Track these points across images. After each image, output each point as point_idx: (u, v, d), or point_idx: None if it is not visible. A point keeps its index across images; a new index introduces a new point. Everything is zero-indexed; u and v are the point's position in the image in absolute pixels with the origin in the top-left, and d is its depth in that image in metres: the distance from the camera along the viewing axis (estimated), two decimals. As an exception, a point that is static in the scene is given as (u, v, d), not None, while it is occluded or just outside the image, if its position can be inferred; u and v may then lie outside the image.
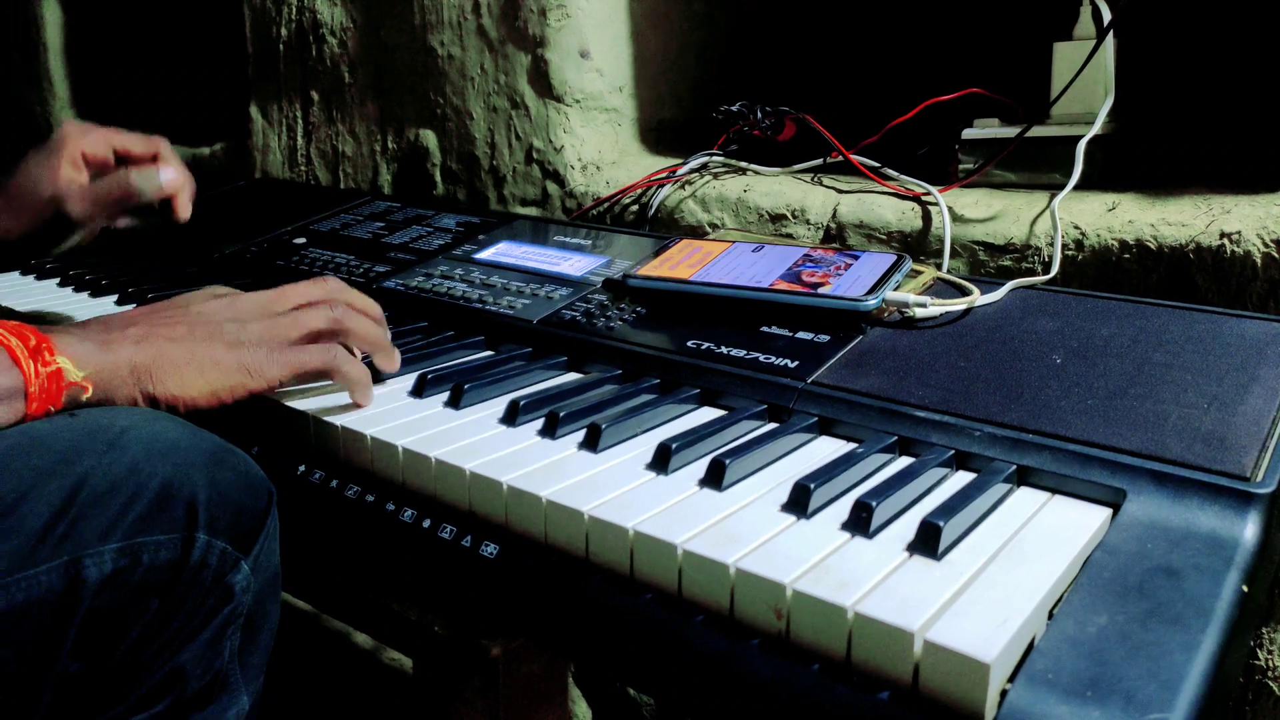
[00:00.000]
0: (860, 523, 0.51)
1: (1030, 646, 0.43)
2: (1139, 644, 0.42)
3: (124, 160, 0.91)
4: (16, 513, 0.53)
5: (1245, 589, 0.46)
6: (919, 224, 0.95)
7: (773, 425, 0.66)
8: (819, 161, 1.07)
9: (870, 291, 0.75)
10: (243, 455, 0.63)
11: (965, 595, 0.45)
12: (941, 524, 0.49)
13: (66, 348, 0.61)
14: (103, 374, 0.62)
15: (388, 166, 1.44)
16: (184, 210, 0.90)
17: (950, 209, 0.93)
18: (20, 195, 0.88)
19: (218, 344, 0.66)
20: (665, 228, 1.11)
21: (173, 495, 0.57)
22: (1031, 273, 0.88)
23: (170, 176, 0.89)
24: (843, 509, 0.53)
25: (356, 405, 0.70)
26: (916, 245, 0.95)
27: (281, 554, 0.65)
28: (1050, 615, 0.46)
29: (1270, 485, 0.51)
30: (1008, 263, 0.90)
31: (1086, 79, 0.93)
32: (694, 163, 1.13)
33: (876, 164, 1.02)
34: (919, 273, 0.83)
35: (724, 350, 0.73)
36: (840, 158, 1.04)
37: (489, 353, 0.83)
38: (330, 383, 0.71)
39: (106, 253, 1.12)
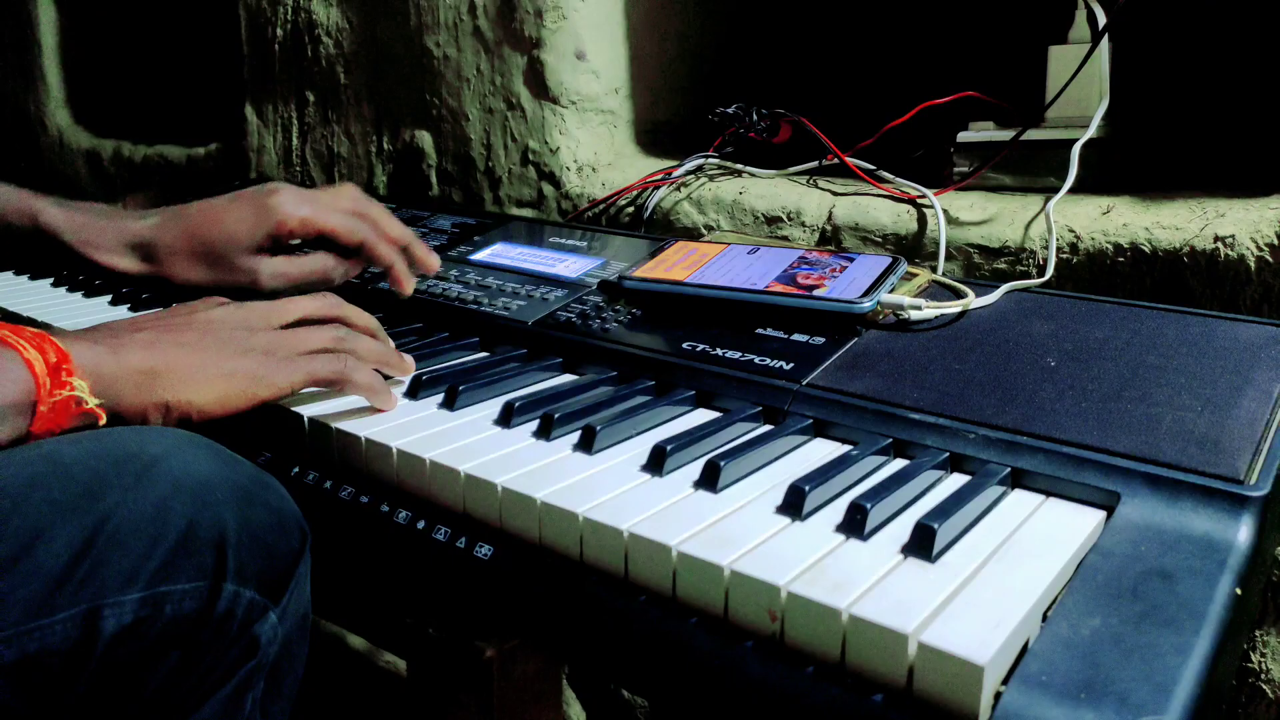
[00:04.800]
0: (855, 525, 0.51)
1: (1024, 649, 0.43)
2: (1133, 646, 0.42)
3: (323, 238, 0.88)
4: (33, 554, 0.49)
5: (1239, 592, 0.46)
6: (914, 226, 0.95)
7: (768, 427, 0.66)
8: (814, 164, 1.07)
9: (865, 294, 0.75)
10: (276, 488, 0.60)
11: (959, 597, 0.45)
12: (936, 526, 0.49)
13: (79, 355, 0.58)
14: (112, 379, 0.59)
15: (383, 167, 1.44)
16: (408, 285, 0.87)
17: (945, 212, 0.93)
18: (209, 250, 0.85)
19: (228, 351, 0.64)
20: (661, 229, 1.12)
21: (200, 537, 0.53)
22: (1026, 275, 0.88)
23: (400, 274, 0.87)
24: (837, 511, 0.53)
25: (378, 410, 0.68)
26: (912, 248, 0.95)
27: None
28: (1044, 617, 0.46)
29: (1264, 488, 0.52)
30: (1003, 265, 0.90)
31: (1081, 82, 0.93)
32: (690, 165, 1.13)
33: (872, 166, 1.02)
34: (914, 275, 0.83)
35: (719, 352, 0.73)
36: (836, 160, 1.04)
37: (484, 354, 0.83)
38: (325, 388, 0.71)
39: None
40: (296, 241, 0.89)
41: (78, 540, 0.50)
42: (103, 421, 0.58)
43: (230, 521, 0.55)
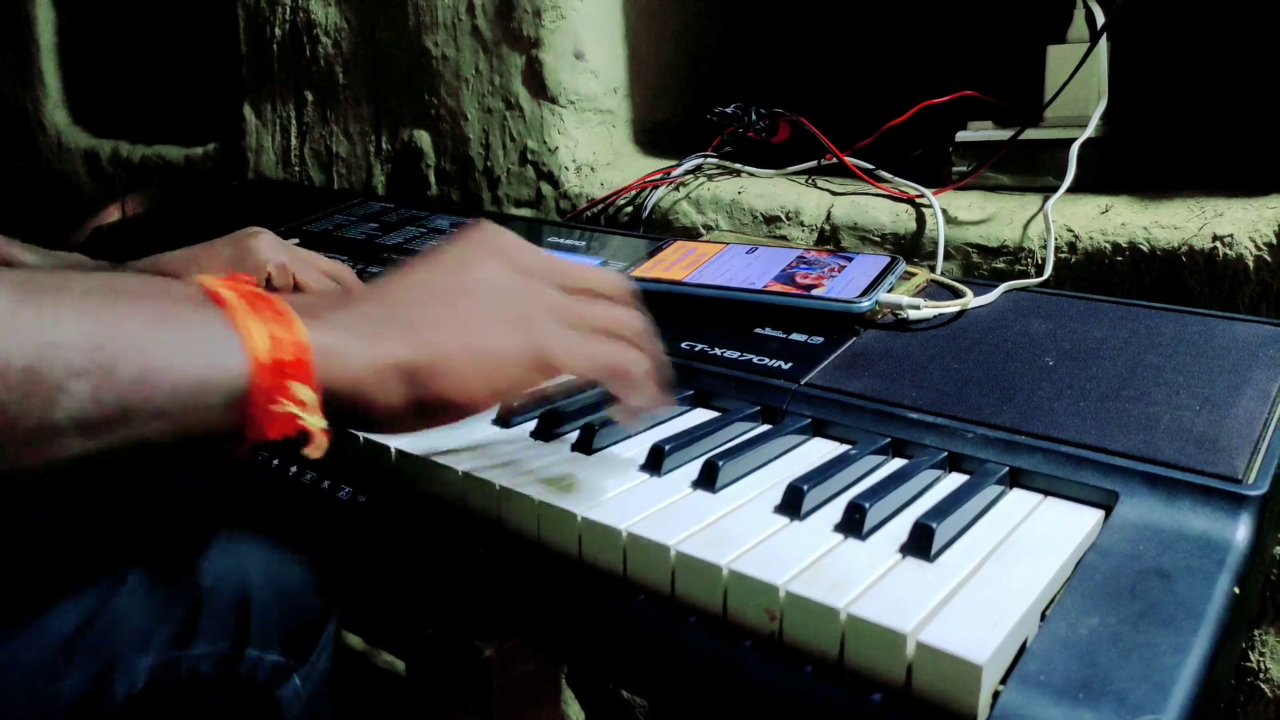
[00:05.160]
0: (853, 524, 0.51)
1: (1023, 648, 0.43)
2: (1131, 646, 0.42)
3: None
4: (45, 614, 0.47)
5: (1237, 591, 0.46)
6: (913, 226, 0.95)
7: (766, 427, 0.66)
8: (813, 163, 1.07)
9: (864, 293, 0.75)
10: None
11: (958, 597, 0.45)
12: (934, 525, 0.49)
13: (326, 348, 0.44)
14: (363, 380, 0.46)
15: (382, 167, 1.44)
16: None
17: (944, 211, 0.93)
18: None
19: (499, 327, 0.49)
20: (659, 229, 1.11)
21: (223, 596, 0.50)
22: (1025, 275, 0.88)
23: None
24: (836, 511, 0.53)
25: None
26: (910, 247, 0.95)
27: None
28: (1043, 617, 0.46)
29: (1262, 487, 0.52)
30: (1001, 265, 0.90)
31: (1080, 82, 0.93)
32: (688, 164, 1.13)
33: (870, 166, 1.02)
34: (912, 275, 0.83)
35: (718, 351, 0.73)
36: (834, 160, 1.04)
37: (483, 354, 0.83)
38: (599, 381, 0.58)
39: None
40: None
41: (90, 598, 0.47)
42: (319, 454, 0.45)
43: (256, 579, 0.51)
